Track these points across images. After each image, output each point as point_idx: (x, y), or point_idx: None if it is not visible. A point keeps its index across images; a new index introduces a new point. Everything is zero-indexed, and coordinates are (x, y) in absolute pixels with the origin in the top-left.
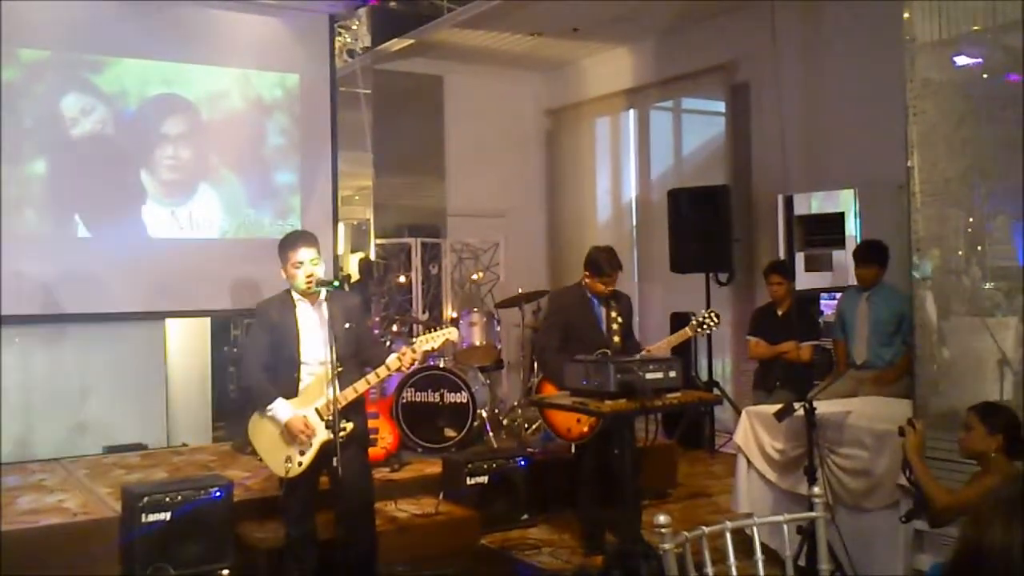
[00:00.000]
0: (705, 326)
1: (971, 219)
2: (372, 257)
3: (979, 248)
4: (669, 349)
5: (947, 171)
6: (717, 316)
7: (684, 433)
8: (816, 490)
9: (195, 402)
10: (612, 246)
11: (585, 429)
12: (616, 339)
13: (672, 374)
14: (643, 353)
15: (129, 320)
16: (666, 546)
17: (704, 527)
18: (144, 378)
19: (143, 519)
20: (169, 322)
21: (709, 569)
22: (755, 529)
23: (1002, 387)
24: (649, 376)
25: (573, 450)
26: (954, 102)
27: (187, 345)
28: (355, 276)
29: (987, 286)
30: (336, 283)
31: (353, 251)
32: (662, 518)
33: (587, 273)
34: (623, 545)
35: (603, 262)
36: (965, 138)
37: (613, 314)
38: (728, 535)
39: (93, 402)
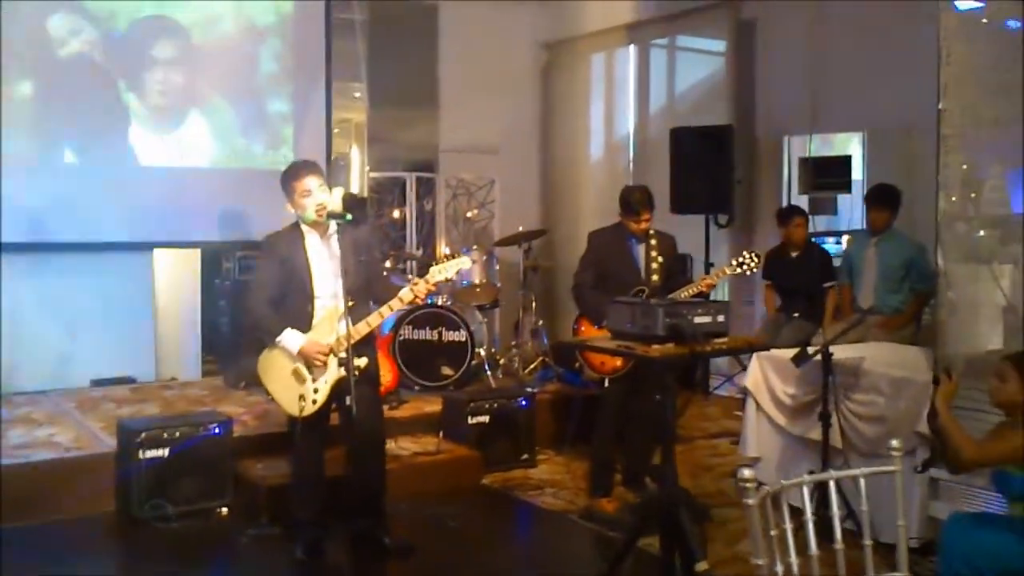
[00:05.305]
0: (745, 267)
1: (965, 166)
2: (356, 192)
3: (972, 195)
4: (697, 292)
5: (982, 114)
6: (758, 256)
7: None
8: (894, 443)
9: (184, 336)
10: (645, 185)
11: (618, 363)
12: (655, 278)
13: (720, 318)
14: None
15: (116, 250)
16: (750, 501)
17: (783, 480)
18: (132, 310)
19: (140, 455)
20: (157, 253)
21: (788, 525)
22: (831, 484)
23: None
24: (697, 320)
25: (606, 384)
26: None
27: (176, 277)
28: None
29: (980, 233)
30: (349, 217)
31: (332, 187)
32: (747, 472)
33: (621, 212)
34: (663, 491)
35: (634, 201)
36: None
37: (653, 253)
38: (805, 489)
39: (79, 334)
